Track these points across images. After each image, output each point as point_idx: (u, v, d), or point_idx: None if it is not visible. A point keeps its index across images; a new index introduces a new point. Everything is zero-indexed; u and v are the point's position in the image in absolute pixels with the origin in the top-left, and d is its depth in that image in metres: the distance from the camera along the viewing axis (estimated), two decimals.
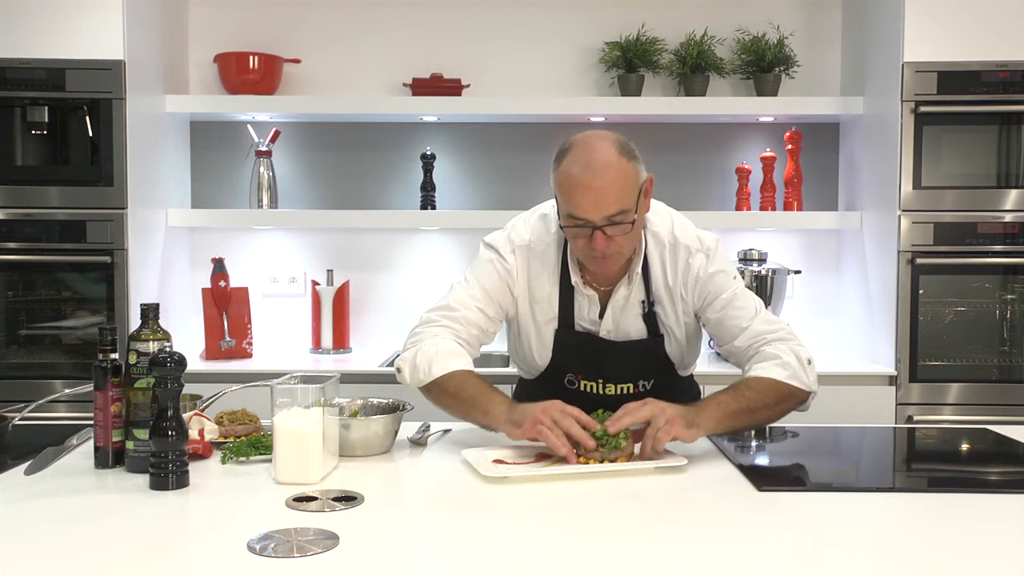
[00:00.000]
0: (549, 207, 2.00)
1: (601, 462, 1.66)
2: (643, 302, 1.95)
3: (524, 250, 1.96)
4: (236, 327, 3.28)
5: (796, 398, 1.84)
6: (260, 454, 1.72)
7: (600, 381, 1.99)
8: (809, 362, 1.86)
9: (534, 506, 1.47)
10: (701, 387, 2.82)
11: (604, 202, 1.74)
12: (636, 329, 1.97)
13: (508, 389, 2.16)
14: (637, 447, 1.71)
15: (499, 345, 2.31)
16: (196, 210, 3.47)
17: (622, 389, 1.98)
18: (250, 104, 3.37)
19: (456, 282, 2.01)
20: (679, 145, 3.55)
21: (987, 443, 1.99)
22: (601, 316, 1.96)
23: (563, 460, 1.68)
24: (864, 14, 3.34)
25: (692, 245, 1.94)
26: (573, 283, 1.93)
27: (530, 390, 2.09)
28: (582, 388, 2.00)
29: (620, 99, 3.40)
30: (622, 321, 1.96)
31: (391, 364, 3.23)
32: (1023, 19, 2.98)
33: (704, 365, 3.17)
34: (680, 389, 2.08)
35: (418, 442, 1.87)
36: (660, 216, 1.97)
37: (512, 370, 2.30)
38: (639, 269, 1.92)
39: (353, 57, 3.57)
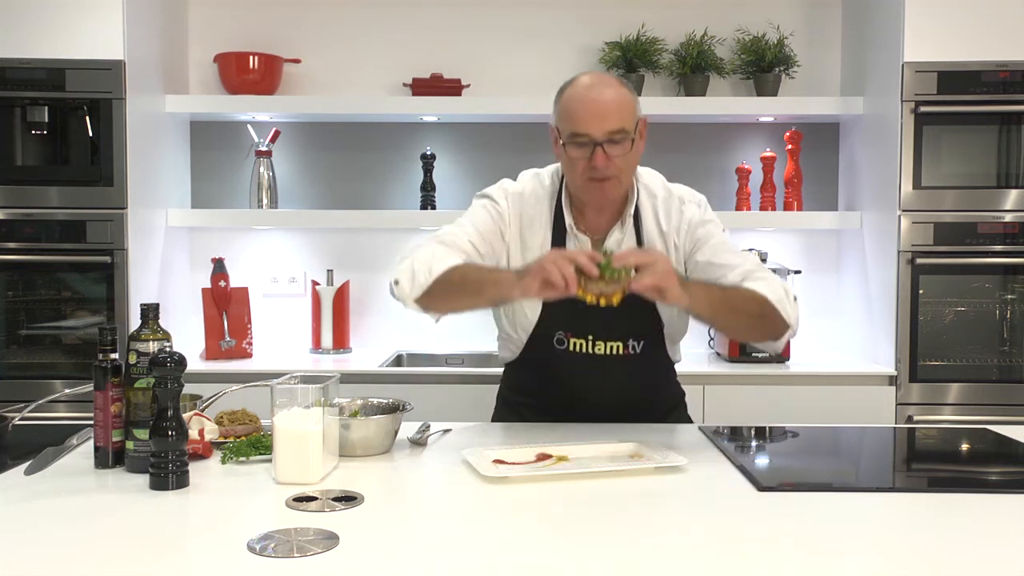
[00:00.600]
0: (541, 168, 2.05)
1: (598, 298, 1.67)
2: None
3: (517, 197, 1.99)
4: (236, 327, 3.28)
5: (775, 324, 1.86)
6: (260, 454, 1.72)
7: (590, 338, 1.96)
8: (795, 299, 1.90)
9: (534, 506, 1.47)
10: (702, 388, 2.83)
11: (606, 117, 1.81)
12: None
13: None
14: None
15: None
16: (196, 210, 3.47)
17: (612, 348, 1.96)
18: (250, 104, 3.37)
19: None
20: (679, 145, 3.55)
21: (987, 443, 1.99)
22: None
23: (563, 460, 1.68)
24: (864, 14, 3.34)
25: (686, 196, 2.02)
26: (567, 225, 1.95)
27: (517, 368, 2.09)
28: (571, 347, 1.97)
29: None
30: None
31: (391, 364, 3.24)
32: (1023, 19, 2.98)
33: (704, 365, 3.18)
34: (667, 379, 2.10)
35: (418, 442, 1.87)
36: (651, 175, 2.04)
37: None
38: (632, 211, 1.95)
39: (353, 57, 3.57)
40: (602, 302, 1.68)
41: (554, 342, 1.98)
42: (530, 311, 2.00)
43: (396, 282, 1.87)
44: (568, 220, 1.95)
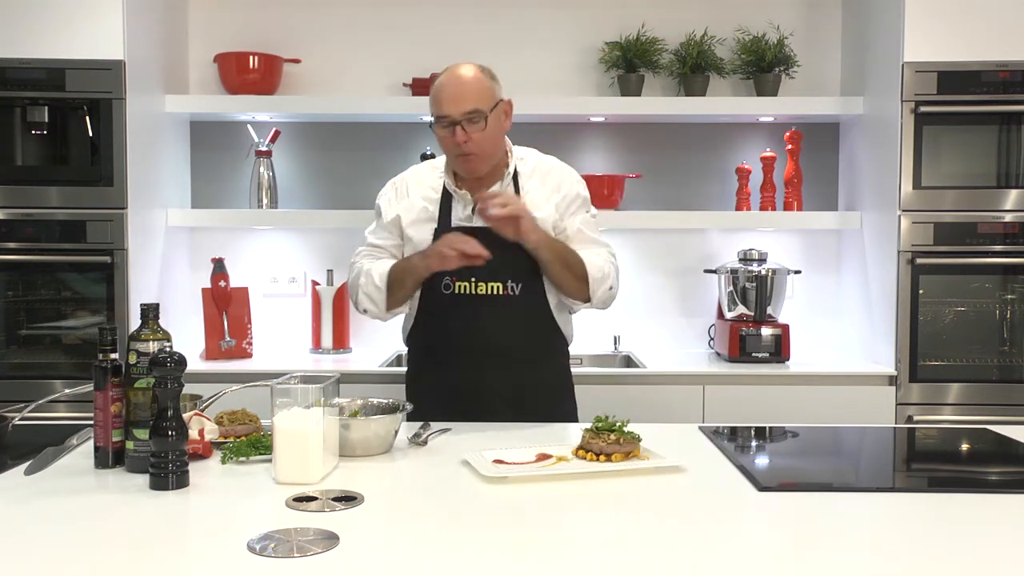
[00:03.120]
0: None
1: (598, 456, 1.68)
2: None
3: (402, 180, 2.35)
4: (236, 327, 3.28)
5: (581, 291, 2.21)
6: (260, 454, 1.72)
7: (472, 280, 2.19)
8: (610, 288, 2.24)
9: (534, 506, 1.47)
10: (702, 388, 2.84)
11: (462, 100, 2.14)
12: None
13: None
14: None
15: None
16: (196, 210, 3.47)
17: (492, 288, 2.19)
18: (250, 104, 3.37)
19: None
20: (679, 145, 3.55)
21: (987, 443, 1.99)
22: (474, 213, 2.20)
23: (563, 460, 1.68)
24: (864, 14, 3.34)
25: (570, 170, 2.33)
26: (446, 184, 2.23)
27: (415, 333, 2.31)
28: (456, 290, 2.20)
29: (620, 99, 3.40)
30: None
31: (391, 364, 3.24)
32: (1023, 19, 2.98)
33: (704, 365, 3.17)
34: (554, 348, 2.31)
35: (418, 442, 1.87)
36: (534, 151, 2.34)
37: None
38: (510, 174, 2.23)
39: (353, 57, 3.57)
40: (601, 459, 1.69)
41: (441, 287, 2.21)
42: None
43: (365, 311, 2.28)
44: (447, 180, 2.24)
